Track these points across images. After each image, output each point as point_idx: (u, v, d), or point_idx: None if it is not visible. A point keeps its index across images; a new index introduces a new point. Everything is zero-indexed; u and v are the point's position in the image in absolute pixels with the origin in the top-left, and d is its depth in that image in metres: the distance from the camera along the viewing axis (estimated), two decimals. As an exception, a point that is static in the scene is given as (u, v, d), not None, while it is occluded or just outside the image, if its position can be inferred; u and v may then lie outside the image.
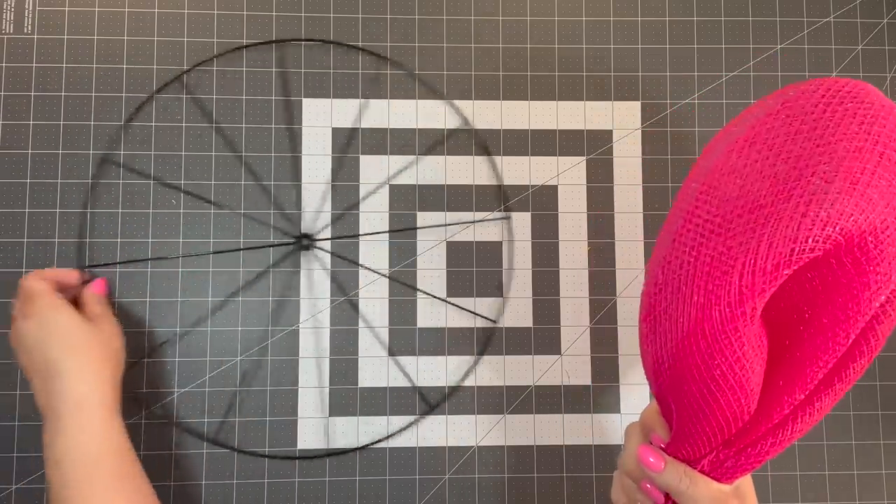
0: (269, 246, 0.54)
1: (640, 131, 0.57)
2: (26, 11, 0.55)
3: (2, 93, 0.54)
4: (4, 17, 0.55)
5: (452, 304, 0.54)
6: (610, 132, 0.56)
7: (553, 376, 0.55)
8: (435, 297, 0.54)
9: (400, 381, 0.54)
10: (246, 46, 0.55)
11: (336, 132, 0.55)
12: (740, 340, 0.33)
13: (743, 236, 0.33)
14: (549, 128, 0.56)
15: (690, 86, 0.57)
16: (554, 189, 0.56)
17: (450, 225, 0.55)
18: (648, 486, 0.38)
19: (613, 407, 0.55)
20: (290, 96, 0.55)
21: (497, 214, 0.55)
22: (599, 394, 0.55)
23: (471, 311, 0.54)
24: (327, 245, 0.54)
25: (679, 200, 0.39)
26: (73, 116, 0.54)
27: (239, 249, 0.54)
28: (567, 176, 0.56)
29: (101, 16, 0.55)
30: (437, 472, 0.53)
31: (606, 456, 0.54)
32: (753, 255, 0.32)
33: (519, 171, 0.56)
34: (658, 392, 0.38)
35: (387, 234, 0.55)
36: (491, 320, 0.54)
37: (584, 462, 0.54)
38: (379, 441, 0.53)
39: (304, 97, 0.55)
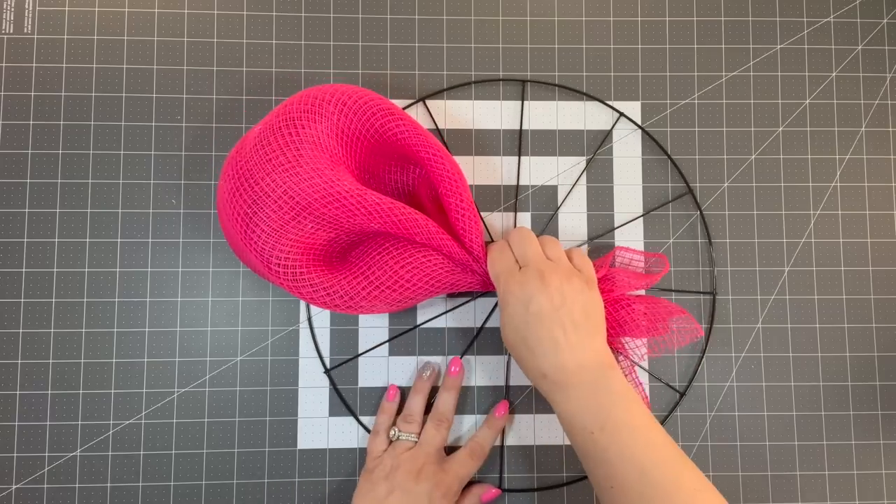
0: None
1: (640, 131, 0.57)
2: (26, 11, 0.55)
3: (2, 93, 0.54)
4: (4, 17, 0.55)
5: (453, 305, 0.54)
6: (610, 132, 0.56)
7: (553, 376, 0.54)
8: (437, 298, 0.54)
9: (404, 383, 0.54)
10: (422, 98, 0.55)
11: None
12: None
13: None
14: (549, 128, 0.56)
15: (690, 86, 0.57)
16: (554, 189, 0.56)
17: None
18: None
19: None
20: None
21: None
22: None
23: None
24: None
25: None
26: (73, 116, 0.54)
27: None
28: (567, 176, 0.56)
29: (101, 16, 0.55)
30: (437, 472, 0.53)
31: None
32: None
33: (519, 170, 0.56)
34: None
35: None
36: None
37: (584, 462, 0.54)
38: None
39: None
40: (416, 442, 0.50)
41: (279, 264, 0.43)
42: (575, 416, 0.43)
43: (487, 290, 0.49)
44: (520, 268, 0.46)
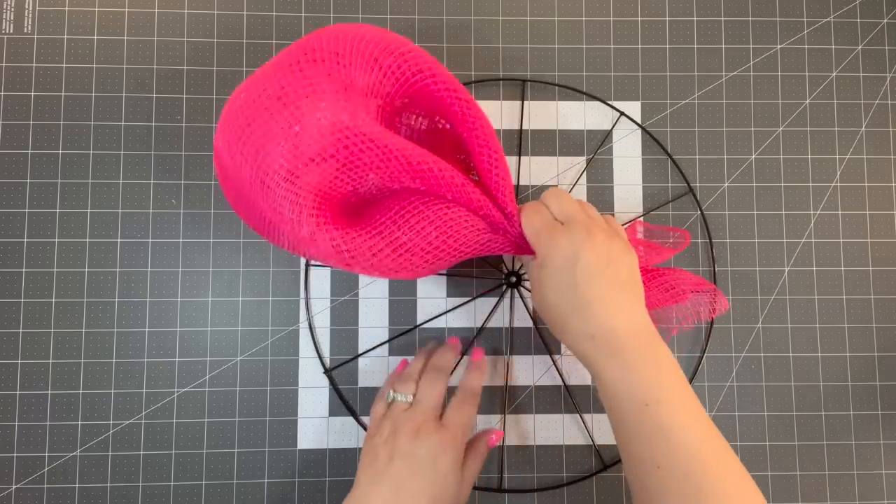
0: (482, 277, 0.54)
1: (640, 131, 0.57)
2: (26, 11, 0.55)
3: (2, 93, 0.54)
4: (4, 17, 0.55)
5: (454, 305, 0.54)
6: (610, 132, 0.57)
7: (553, 376, 0.55)
8: (435, 297, 0.54)
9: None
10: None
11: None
12: None
13: None
14: (549, 128, 0.56)
15: (690, 86, 0.57)
16: (554, 189, 0.56)
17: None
18: None
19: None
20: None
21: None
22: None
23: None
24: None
25: None
26: (73, 116, 0.54)
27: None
28: (567, 176, 0.56)
29: (101, 16, 0.55)
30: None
31: (607, 455, 0.54)
32: None
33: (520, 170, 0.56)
34: None
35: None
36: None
37: (584, 462, 0.54)
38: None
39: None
40: (411, 403, 0.48)
41: (293, 210, 0.39)
42: (626, 385, 0.40)
43: (520, 253, 0.46)
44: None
